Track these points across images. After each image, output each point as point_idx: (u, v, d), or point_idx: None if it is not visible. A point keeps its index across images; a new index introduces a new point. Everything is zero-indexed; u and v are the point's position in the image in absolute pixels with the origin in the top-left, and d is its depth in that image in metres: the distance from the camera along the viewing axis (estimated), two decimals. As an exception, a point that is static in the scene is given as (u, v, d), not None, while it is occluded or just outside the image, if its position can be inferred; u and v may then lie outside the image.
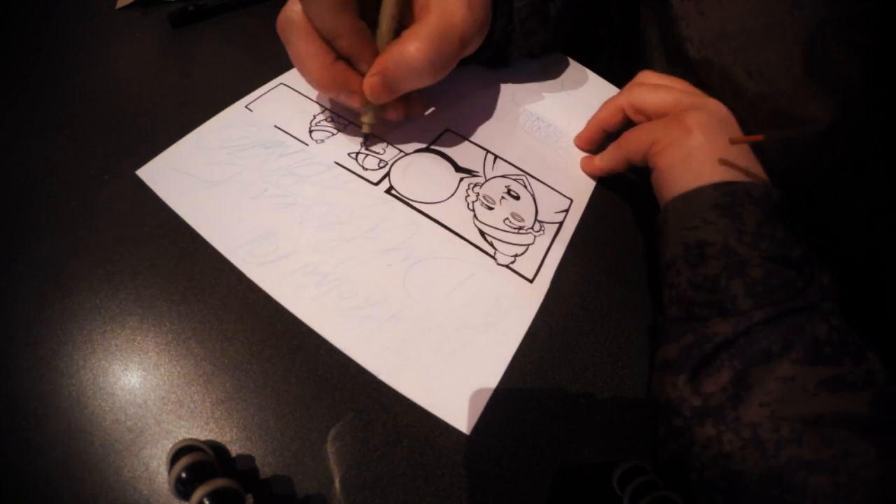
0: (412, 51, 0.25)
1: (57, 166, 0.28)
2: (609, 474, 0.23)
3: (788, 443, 0.21)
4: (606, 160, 0.33)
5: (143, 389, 0.22)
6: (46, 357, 0.23)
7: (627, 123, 0.33)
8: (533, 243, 0.30)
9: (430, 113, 0.34)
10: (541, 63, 0.41)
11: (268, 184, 0.28)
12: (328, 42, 0.26)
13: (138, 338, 0.24)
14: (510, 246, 0.29)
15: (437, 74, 0.27)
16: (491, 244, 0.29)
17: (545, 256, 0.30)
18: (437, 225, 0.29)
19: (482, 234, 0.29)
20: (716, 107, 0.29)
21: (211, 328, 0.24)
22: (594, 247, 0.31)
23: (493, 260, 0.28)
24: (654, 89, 0.31)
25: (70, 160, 0.29)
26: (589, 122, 0.35)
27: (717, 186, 0.25)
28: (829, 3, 0.25)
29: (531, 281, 0.28)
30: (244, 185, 0.28)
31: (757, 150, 0.28)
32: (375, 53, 0.27)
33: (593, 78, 0.42)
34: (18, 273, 0.25)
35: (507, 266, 0.28)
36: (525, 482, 0.23)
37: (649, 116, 0.31)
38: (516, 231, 0.30)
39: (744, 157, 0.27)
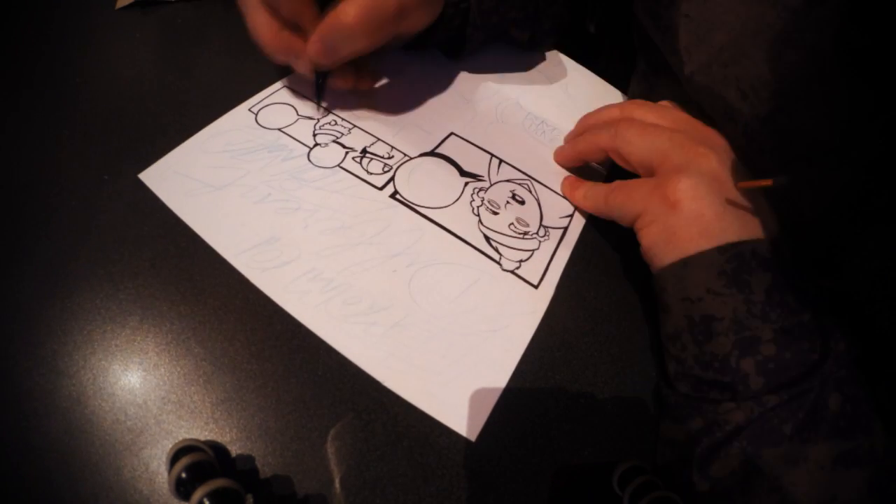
0: (347, 16, 0.26)
1: (57, 166, 0.28)
2: (609, 474, 0.23)
3: None
4: (590, 205, 0.31)
5: (143, 389, 0.22)
6: (46, 357, 0.23)
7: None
8: (538, 249, 0.30)
9: (434, 117, 0.34)
10: (545, 67, 0.41)
11: (271, 188, 0.28)
12: (274, 11, 0.28)
13: (138, 338, 0.24)
14: (515, 251, 0.29)
15: (373, 40, 0.28)
16: (496, 249, 0.29)
17: (550, 262, 0.29)
18: (441, 230, 0.29)
19: (487, 239, 0.29)
20: (706, 163, 0.25)
21: (211, 328, 0.24)
22: (594, 248, 0.31)
23: (497, 265, 0.28)
24: (642, 134, 0.27)
25: (70, 160, 0.29)
26: (568, 151, 0.33)
27: (721, 250, 0.23)
28: (819, 4, 0.23)
29: (536, 287, 0.28)
30: (248, 190, 0.28)
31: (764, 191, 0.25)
32: (318, 19, 0.28)
33: (597, 82, 0.42)
34: (19, 273, 0.25)
35: (511, 272, 0.28)
36: (525, 482, 0.23)
37: (633, 168, 0.29)
38: (521, 236, 0.30)
39: (737, 218, 0.24)
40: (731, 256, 0.23)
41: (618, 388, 0.26)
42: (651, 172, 0.27)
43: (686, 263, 0.24)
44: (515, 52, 0.41)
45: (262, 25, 0.28)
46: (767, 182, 0.23)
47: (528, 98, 0.38)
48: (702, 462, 0.22)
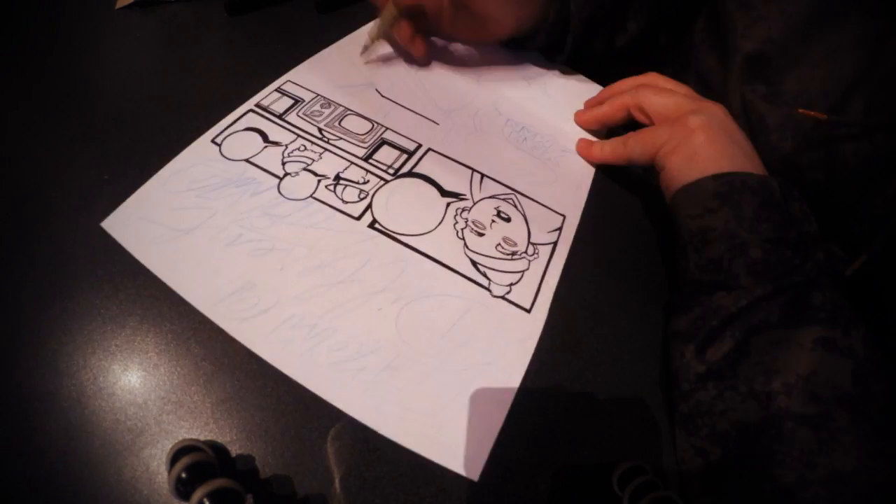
0: None
1: (57, 166, 0.28)
2: (609, 474, 0.23)
3: (778, 395, 0.23)
4: (608, 154, 0.34)
5: (143, 389, 0.22)
6: (47, 357, 0.23)
7: (629, 124, 0.34)
8: (528, 269, 0.29)
9: (409, 132, 0.33)
10: (522, 68, 0.40)
11: (242, 228, 0.27)
12: None
13: (138, 338, 0.24)
14: (504, 275, 0.28)
15: None
16: (484, 274, 0.28)
17: (541, 283, 0.28)
18: (426, 259, 0.27)
19: (474, 264, 0.28)
20: (714, 110, 0.31)
21: (211, 328, 0.24)
22: (594, 248, 0.31)
23: (487, 292, 0.27)
24: (659, 92, 0.33)
25: (70, 160, 0.29)
26: (589, 115, 0.37)
27: (716, 177, 0.27)
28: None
29: (528, 311, 0.27)
30: (217, 231, 0.26)
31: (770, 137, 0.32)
32: None
33: (577, 79, 0.40)
34: (19, 273, 0.25)
35: (502, 297, 0.27)
36: (525, 482, 0.23)
37: (651, 118, 0.32)
38: (509, 257, 0.29)
39: (743, 153, 0.29)
40: (723, 182, 0.27)
41: (618, 388, 0.26)
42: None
43: (688, 189, 0.28)
44: (490, 53, 0.40)
45: None
46: (823, 115, 0.29)
47: (506, 103, 0.37)
48: (699, 347, 0.25)
